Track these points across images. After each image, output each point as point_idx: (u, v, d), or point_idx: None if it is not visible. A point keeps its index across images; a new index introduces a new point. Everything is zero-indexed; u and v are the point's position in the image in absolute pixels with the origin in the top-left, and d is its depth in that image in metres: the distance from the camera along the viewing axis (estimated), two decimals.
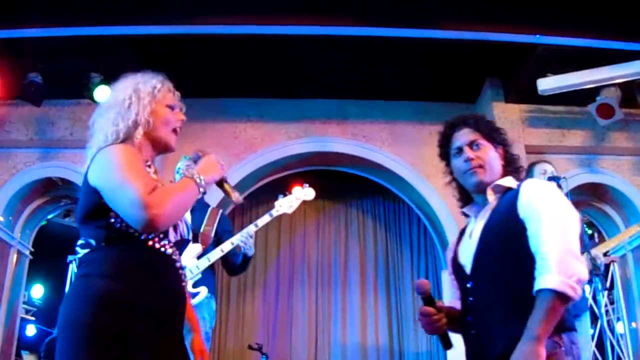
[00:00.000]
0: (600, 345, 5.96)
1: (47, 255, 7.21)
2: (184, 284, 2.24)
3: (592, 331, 5.26)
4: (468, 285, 2.32)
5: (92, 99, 6.06)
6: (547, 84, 6.03)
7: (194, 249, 4.15)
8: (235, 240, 4.22)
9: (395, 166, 7.13)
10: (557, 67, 6.07)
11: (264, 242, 8.06)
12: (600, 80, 6.05)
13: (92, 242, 2.10)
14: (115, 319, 1.95)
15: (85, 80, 6.07)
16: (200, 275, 4.16)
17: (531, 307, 2.02)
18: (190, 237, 4.26)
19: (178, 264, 2.23)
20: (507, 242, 2.22)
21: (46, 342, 6.82)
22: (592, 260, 4.08)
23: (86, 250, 2.13)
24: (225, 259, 4.38)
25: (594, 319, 5.52)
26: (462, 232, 2.58)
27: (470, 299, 2.30)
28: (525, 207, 2.20)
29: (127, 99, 2.26)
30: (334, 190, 8.24)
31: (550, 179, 4.51)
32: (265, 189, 7.33)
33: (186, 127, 2.45)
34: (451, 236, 6.87)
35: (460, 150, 2.46)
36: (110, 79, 5.71)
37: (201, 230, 4.28)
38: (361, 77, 6.96)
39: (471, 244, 2.37)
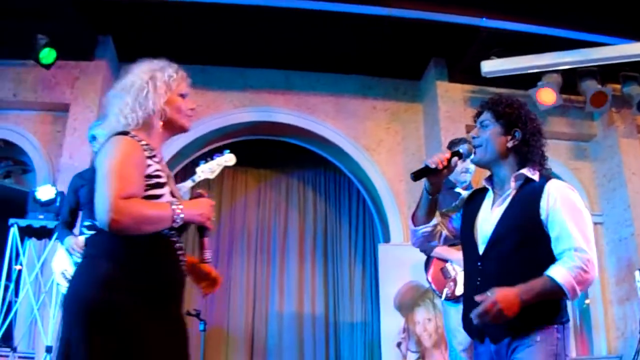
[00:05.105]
0: None
1: None
2: (182, 264, 2.33)
3: None
4: (478, 265, 2.46)
5: (37, 61, 5.84)
6: (490, 66, 6.16)
7: None
8: None
9: (337, 139, 7.22)
10: (501, 51, 6.22)
11: None
12: (543, 66, 6.22)
13: (98, 224, 2.14)
14: (110, 297, 2.06)
15: (32, 41, 5.83)
16: None
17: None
18: None
19: (177, 245, 2.31)
20: (524, 237, 2.37)
21: None
22: None
23: (93, 232, 2.27)
24: None
25: None
26: (476, 199, 2.66)
27: (479, 279, 2.43)
28: (550, 211, 2.36)
29: (145, 86, 2.32)
30: (276, 160, 8.28)
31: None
32: (209, 155, 7.25)
33: None
34: (389, 210, 7.00)
35: None
36: (56, 41, 5.58)
37: None
38: (308, 49, 6.97)
39: (488, 226, 2.48)
